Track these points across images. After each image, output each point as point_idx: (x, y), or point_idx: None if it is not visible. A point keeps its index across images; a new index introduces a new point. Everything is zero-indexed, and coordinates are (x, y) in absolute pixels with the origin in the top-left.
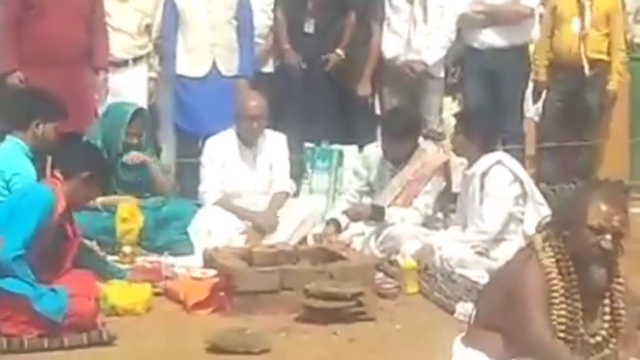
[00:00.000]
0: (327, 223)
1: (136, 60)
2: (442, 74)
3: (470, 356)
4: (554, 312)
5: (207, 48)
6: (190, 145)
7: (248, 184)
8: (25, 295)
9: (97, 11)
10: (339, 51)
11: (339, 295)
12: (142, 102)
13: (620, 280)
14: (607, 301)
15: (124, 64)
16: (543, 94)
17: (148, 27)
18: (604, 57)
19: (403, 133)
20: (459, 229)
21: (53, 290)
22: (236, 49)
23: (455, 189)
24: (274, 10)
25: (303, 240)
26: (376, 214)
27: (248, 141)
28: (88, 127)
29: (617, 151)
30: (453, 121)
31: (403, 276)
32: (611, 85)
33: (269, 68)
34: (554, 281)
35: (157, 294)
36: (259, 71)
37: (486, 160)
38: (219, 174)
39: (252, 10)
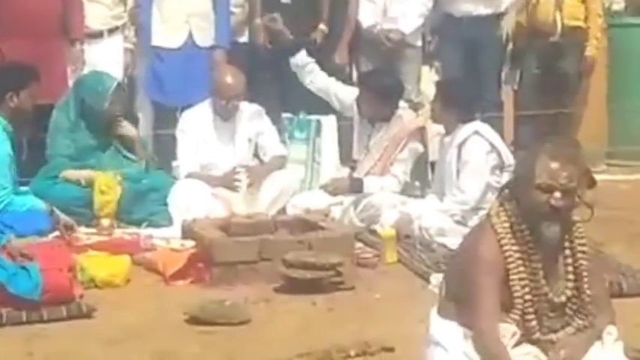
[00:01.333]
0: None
1: (112, 31)
2: (419, 43)
3: (446, 327)
4: (514, 276)
5: (182, 18)
6: (167, 116)
7: (225, 158)
8: None
9: None
10: (322, 26)
11: (318, 265)
12: (118, 73)
13: (583, 240)
14: (570, 261)
15: (99, 35)
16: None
17: None
18: (581, 24)
19: (383, 91)
20: (436, 197)
21: (24, 268)
22: (212, 20)
23: (432, 157)
24: None
25: (282, 210)
26: (355, 187)
27: (224, 116)
28: (59, 96)
29: (596, 118)
30: (430, 90)
31: (382, 245)
32: (589, 52)
33: (245, 38)
34: (507, 246)
35: (136, 264)
36: (235, 41)
37: (464, 130)
38: (194, 147)
39: None
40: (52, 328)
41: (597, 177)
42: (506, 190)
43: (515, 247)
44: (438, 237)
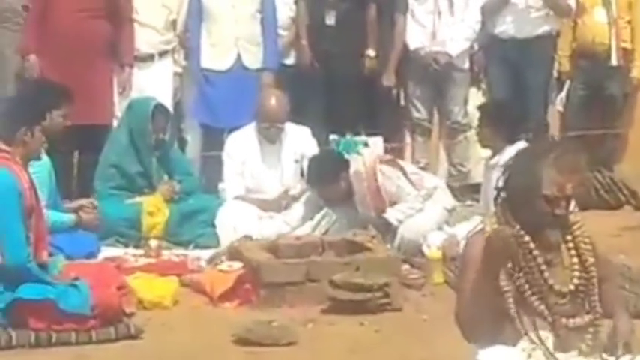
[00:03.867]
0: None
1: (162, 55)
2: (467, 65)
3: (494, 350)
4: (509, 274)
5: (231, 41)
6: (215, 138)
7: (272, 181)
8: (48, 299)
9: (123, 6)
10: (370, 52)
11: (366, 286)
12: (168, 97)
13: (586, 239)
14: (573, 252)
15: (149, 58)
16: (567, 84)
17: (174, 22)
18: (627, 45)
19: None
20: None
21: (74, 285)
22: (260, 43)
23: (477, 179)
24: (296, 3)
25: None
26: None
27: (269, 139)
28: (106, 120)
29: None
30: (477, 113)
31: (429, 266)
32: (635, 73)
33: (291, 60)
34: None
35: (184, 286)
36: (282, 63)
37: (510, 151)
38: (239, 170)
39: (275, 2)
40: (101, 349)
41: None
42: (501, 197)
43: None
44: None
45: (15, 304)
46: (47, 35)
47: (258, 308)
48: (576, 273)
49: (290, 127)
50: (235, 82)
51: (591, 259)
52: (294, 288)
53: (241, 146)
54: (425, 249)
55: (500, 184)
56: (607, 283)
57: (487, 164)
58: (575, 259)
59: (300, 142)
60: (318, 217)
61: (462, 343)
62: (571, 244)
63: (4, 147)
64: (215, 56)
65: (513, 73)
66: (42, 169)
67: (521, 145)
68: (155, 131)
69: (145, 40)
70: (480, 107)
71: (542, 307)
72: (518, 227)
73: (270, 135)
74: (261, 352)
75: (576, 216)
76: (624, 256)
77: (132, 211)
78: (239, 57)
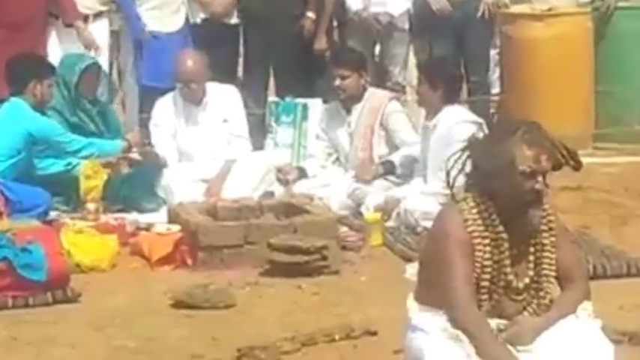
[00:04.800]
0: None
1: (97, 16)
2: (407, 26)
3: (424, 313)
4: (478, 263)
5: (178, 1)
6: (154, 99)
7: (202, 142)
8: (5, 258)
9: None
10: (309, 14)
11: (304, 249)
12: (104, 57)
13: (550, 217)
14: (532, 241)
15: (84, 20)
16: None
17: None
18: None
19: (351, 63)
20: (421, 180)
21: (27, 250)
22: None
23: None
24: None
25: (268, 193)
26: (387, 169)
27: (191, 100)
28: None
29: (582, 101)
30: (415, 73)
31: (367, 229)
32: None
33: (234, 20)
34: (476, 234)
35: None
36: (223, 22)
37: (448, 115)
38: (169, 135)
39: None
40: (37, 313)
41: (584, 160)
42: (473, 177)
43: (485, 234)
44: (423, 220)
45: None
46: None
47: (196, 271)
48: (531, 265)
49: (215, 87)
50: (174, 43)
51: (549, 245)
52: (232, 251)
53: (168, 110)
54: (364, 211)
55: (464, 168)
56: (566, 256)
57: (424, 124)
58: (532, 249)
59: (225, 102)
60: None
61: (399, 306)
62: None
63: None
64: (163, 19)
65: (453, 33)
66: None
67: (459, 112)
68: (86, 87)
69: (80, 0)
70: (420, 66)
71: (487, 302)
72: (494, 217)
73: (189, 97)
74: (199, 315)
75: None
76: (562, 217)
77: (69, 174)
78: (186, 18)
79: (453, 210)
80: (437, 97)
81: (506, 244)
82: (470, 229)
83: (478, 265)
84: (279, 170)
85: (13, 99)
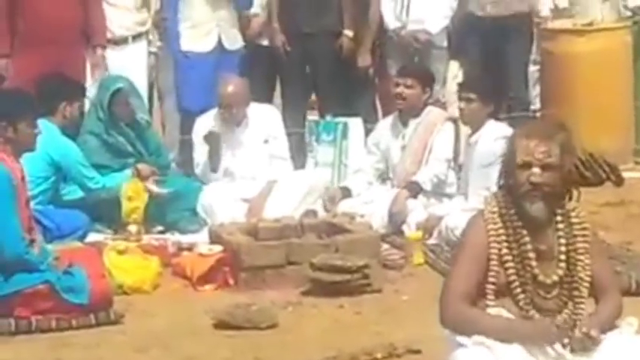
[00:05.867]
0: (333, 189)
1: (136, 37)
2: (445, 43)
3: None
4: (495, 259)
5: (212, 23)
6: (193, 121)
7: (241, 163)
8: (47, 281)
9: None
10: (347, 32)
11: (345, 268)
12: (143, 79)
13: (583, 224)
14: (563, 241)
15: (123, 41)
16: None
17: (147, 1)
18: None
19: (418, 75)
20: (462, 198)
21: (69, 273)
22: (237, 24)
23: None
24: None
25: (310, 212)
26: (413, 189)
27: (232, 122)
28: None
29: (623, 115)
30: (455, 89)
31: (409, 247)
32: None
33: (265, 41)
34: (492, 230)
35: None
36: (259, 44)
37: (490, 131)
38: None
39: None
40: (80, 336)
41: (625, 175)
42: (500, 180)
43: (501, 231)
44: None
45: (11, 295)
46: (19, 29)
47: (238, 291)
48: (562, 264)
49: (256, 108)
50: (216, 64)
51: (583, 250)
52: (274, 271)
53: (208, 128)
54: (405, 229)
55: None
56: (601, 269)
57: (468, 141)
58: (563, 249)
59: (266, 122)
60: None
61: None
62: (561, 233)
63: None
64: (196, 38)
65: (491, 50)
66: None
67: (501, 126)
68: (119, 109)
69: (118, 22)
70: (461, 84)
71: (522, 296)
72: (512, 212)
73: (230, 120)
74: (241, 335)
75: (574, 202)
76: (604, 233)
77: (111, 196)
78: (219, 39)
79: (477, 214)
80: (485, 114)
81: (526, 238)
82: (488, 227)
83: (495, 262)
84: (325, 194)
85: (41, 121)
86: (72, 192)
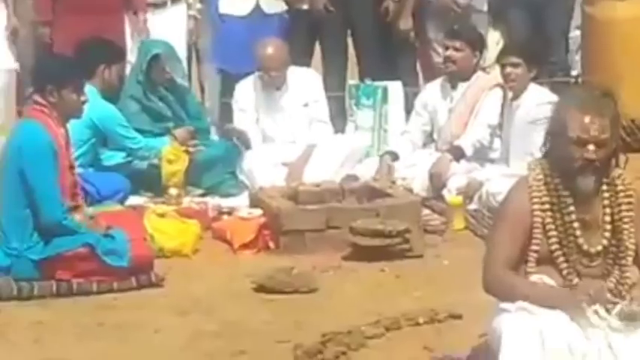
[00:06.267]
0: (383, 155)
1: (175, 0)
2: (485, 7)
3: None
4: (538, 227)
5: None
6: (233, 84)
7: (281, 127)
8: (88, 244)
9: None
10: None
11: (386, 233)
12: (182, 42)
13: (628, 192)
14: (608, 211)
15: (162, 4)
16: None
17: None
18: None
19: (468, 38)
20: (504, 163)
21: (110, 236)
22: None
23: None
24: None
25: (350, 176)
26: (456, 155)
27: (272, 86)
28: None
29: None
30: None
31: (450, 212)
32: None
33: (306, 5)
34: (536, 198)
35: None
36: (299, 8)
37: (532, 96)
38: (252, 118)
39: None
40: (122, 298)
41: None
42: (543, 148)
43: (546, 199)
44: None
45: (51, 258)
46: None
47: (278, 255)
48: (607, 234)
49: (296, 72)
50: (254, 27)
51: (628, 219)
52: (315, 235)
53: (249, 94)
54: (446, 194)
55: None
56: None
57: (509, 105)
58: (608, 218)
59: (306, 86)
60: None
61: (482, 289)
62: (607, 202)
63: (43, 102)
64: (234, 1)
65: (533, 14)
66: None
67: (543, 90)
68: (157, 73)
69: None
70: (505, 48)
71: (565, 265)
72: (557, 180)
73: (269, 82)
74: (282, 299)
75: (619, 169)
76: None
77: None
78: (258, 3)
79: (521, 180)
80: (528, 79)
81: (571, 208)
82: (532, 194)
83: (539, 230)
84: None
85: None
86: (111, 157)
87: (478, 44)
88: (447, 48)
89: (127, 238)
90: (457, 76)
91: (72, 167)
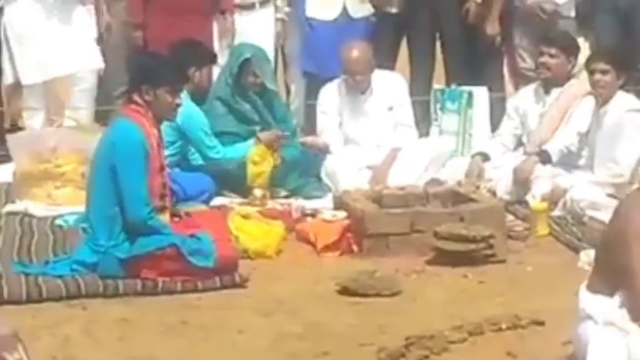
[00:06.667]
0: (473, 156)
1: (263, 2)
2: (573, 14)
3: (594, 301)
4: None
5: None
6: (319, 87)
7: (365, 131)
8: (173, 245)
9: None
10: None
11: (470, 237)
12: (270, 44)
13: None
14: None
15: (250, 6)
16: None
17: None
18: None
19: (563, 44)
20: (589, 170)
21: (196, 237)
22: None
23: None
24: None
25: (434, 180)
26: (544, 158)
27: (357, 89)
28: None
29: None
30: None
31: (533, 218)
32: None
33: (395, 8)
34: None
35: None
36: (387, 11)
37: (619, 103)
38: (335, 122)
39: None
40: (205, 298)
41: None
42: None
43: None
44: (590, 210)
45: (137, 257)
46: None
47: (361, 258)
48: None
49: (380, 75)
50: (341, 31)
51: None
52: (399, 238)
53: (333, 97)
54: (530, 200)
55: None
56: None
57: (597, 112)
58: None
59: (391, 89)
60: None
61: (566, 296)
62: None
63: (139, 101)
64: (321, 5)
65: (620, 20)
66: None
67: (632, 99)
68: (247, 78)
69: None
70: (594, 55)
71: None
72: None
73: (354, 86)
74: (365, 302)
75: None
76: None
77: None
78: (344, 7)
79: (634, 194)
80: (617, 85)
81: None
82: None
83: None
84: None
85: None
86: (198, 157)
87: (572, 50)
88: (541, 54)
89: (212, 238)
90: (551, 82)
91: (162, 169)
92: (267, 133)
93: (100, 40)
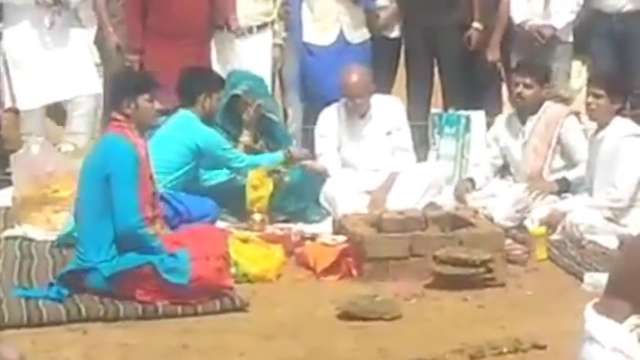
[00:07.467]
0: (462, 182)
1: (260, 27)
2: (571, 38)
3: (603, 324)
4: None
5: (333, 16)
6: (317, 112)
7: (364, 155)
8: (150, 263)
9: None
10: (476, 24)
11: (469, 262)
12: (267, 69)
13: None
14: None
15: (248, 31)
16: None
17: None
18: None
19: (537, 74)
20: (586, 194)
21: (174, 255)
22: (362, 17)
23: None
24: None
25: (432, 204)
26: (562, 186)
27: (355, 113)
28: None
29: None
30: (579, 85)
31: (532, 242)
32: None
33: (395, 33)
34: None
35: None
36: (384, 36)
37: (617, 128)
38: (333, 146)
39: None
40: (205, 322)
41: None
42: None
43: None
44: (588, 234)
45: (119, 273)
46: (150, 23)
47: (361, 282)
48: None
49: (379, 99)
50: (337, 56)
51: None
52: (398, 263)
53: (332, 121)
54: (528, 224)
55: None
56: None
57: (593, 138)
58: None
59: (390, 114)
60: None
61: (566, 320)
62: None
63: (119, 117)
64: (318, 31)
65: (617, 47)
66: None
67: (630, 124)
68: (241, 108)
69: (243, 11)
70: (588, 80)
71: None
72: None
73: (354, 111)
74: (365, 326)
75: None
76: None
77: (236, 184)
78: (341, 32)
79: None
80: (613, 111)
81: None
82: None
83: None
84: (456, 188)
85: (183, 111)
86: (216, 175)
87: (546, 78)
88: (516, 84)
89: (190, 257)
90: (526, 111)
91: (151, 177)
92: (295, 148)
93: (106, 61)
